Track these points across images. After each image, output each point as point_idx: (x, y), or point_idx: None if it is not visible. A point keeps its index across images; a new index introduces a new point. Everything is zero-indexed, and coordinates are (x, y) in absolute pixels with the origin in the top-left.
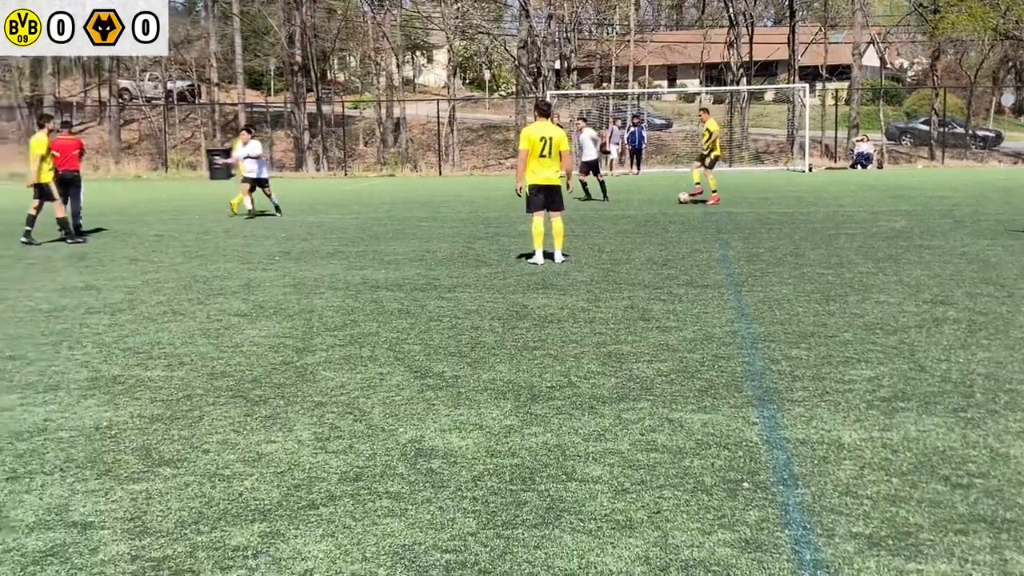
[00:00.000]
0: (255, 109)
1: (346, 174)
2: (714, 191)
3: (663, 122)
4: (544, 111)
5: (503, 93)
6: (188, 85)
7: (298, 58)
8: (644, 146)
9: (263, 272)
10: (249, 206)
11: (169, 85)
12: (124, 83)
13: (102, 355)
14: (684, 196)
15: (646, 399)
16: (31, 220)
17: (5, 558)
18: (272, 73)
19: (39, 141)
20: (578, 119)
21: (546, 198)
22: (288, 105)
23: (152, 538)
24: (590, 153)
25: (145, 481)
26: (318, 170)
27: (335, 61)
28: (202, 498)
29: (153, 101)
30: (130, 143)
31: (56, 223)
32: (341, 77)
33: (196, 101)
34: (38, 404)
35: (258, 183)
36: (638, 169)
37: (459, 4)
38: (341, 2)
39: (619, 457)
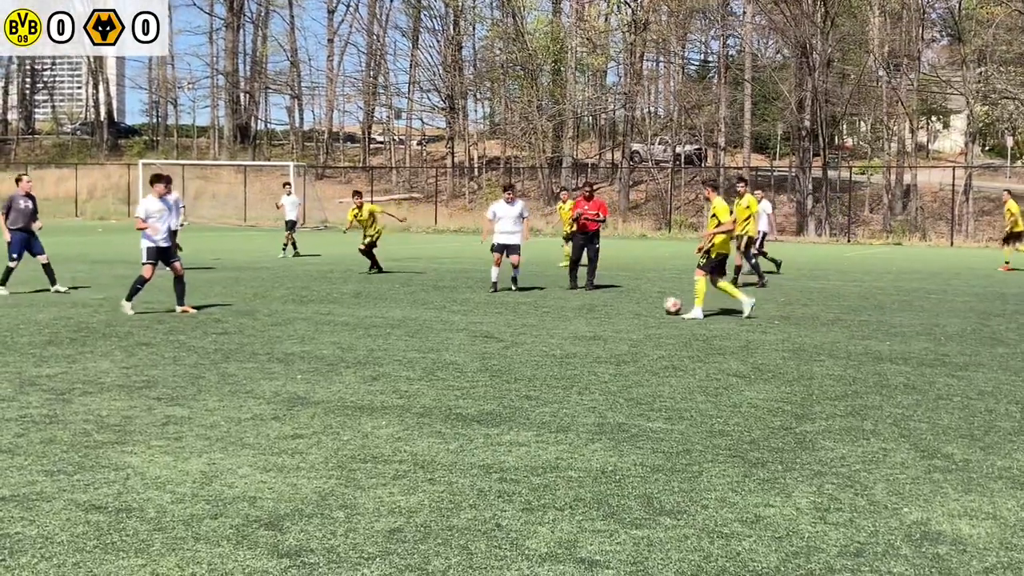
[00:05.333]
0: (759, 173)
1: (849, 240)
2: None
3: None
4: None
5: None
6: (696, 149)
7: (807, 123)
8: None
9: (762, 335)
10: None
11: (678, 148)
12: (636, 146)
13: (608, 402)
14: None
15: None
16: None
17: None
18: (779, 137)
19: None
20: None
21: None
22: (793, 169)
23: None
24: None
25: (647, 528)
26: (819, 235)
27: (844, 126)
28: (701, 552)
29: (661, 164)
30: (637, 203)
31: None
32: (849, 142)
33: (702, 164)
34: (551, 443)
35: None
36: None
37: (983, 68)
38: (855, 67)
39: None
